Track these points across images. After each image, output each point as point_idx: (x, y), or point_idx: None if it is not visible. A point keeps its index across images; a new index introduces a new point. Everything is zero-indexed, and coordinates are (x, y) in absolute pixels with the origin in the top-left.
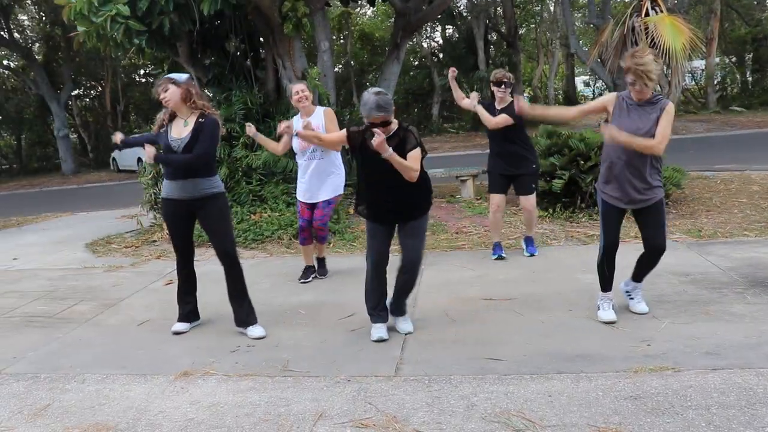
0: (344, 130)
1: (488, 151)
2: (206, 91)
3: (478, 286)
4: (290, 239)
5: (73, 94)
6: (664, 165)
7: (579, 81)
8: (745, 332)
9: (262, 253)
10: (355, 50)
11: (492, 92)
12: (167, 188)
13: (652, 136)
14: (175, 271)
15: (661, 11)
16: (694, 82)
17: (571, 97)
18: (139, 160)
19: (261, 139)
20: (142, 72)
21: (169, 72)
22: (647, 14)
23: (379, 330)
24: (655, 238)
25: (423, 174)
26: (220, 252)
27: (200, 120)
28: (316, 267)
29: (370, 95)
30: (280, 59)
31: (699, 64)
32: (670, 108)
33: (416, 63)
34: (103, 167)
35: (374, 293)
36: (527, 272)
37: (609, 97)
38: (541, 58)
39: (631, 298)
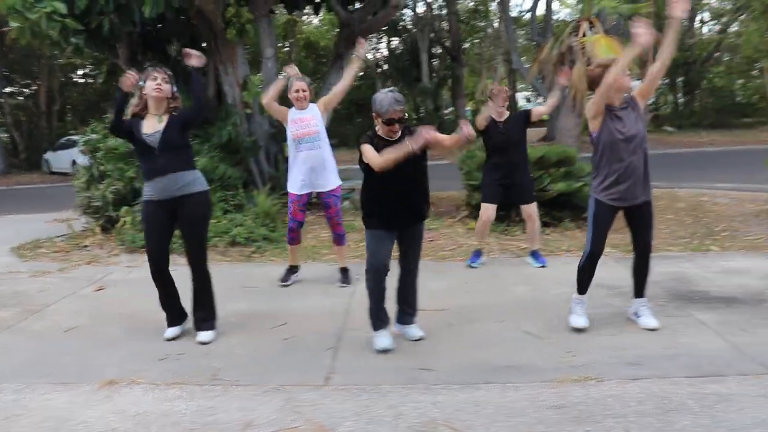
0: (365, 145)
1: (434, 162)
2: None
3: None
4: (226, 247)
5: (5, 91)
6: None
7: (521, 97)
8: (665, 344)
9: None
10: (300, 58)
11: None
12: (148, 189)
13: (644, 135)
14: (110, 276)
15: (598, 32)
16: None
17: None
18: (74, 162)
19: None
20: (80, 72)
21: (109, 74)
22: (584, 35)
23: (383, 339)
24: (645, 233)
25: (427, 178)
26: (192, 258)
27: (173, 113)
28: (299, 267)
29: (384, 94)
30: (222, 65)
31: (634, 85)
32: (635, 90)
33: (361, 74)
34: (35, 169)
35: (381, 302)
36: (460, 284)
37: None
38: (484, 72)
39: (639, 317)
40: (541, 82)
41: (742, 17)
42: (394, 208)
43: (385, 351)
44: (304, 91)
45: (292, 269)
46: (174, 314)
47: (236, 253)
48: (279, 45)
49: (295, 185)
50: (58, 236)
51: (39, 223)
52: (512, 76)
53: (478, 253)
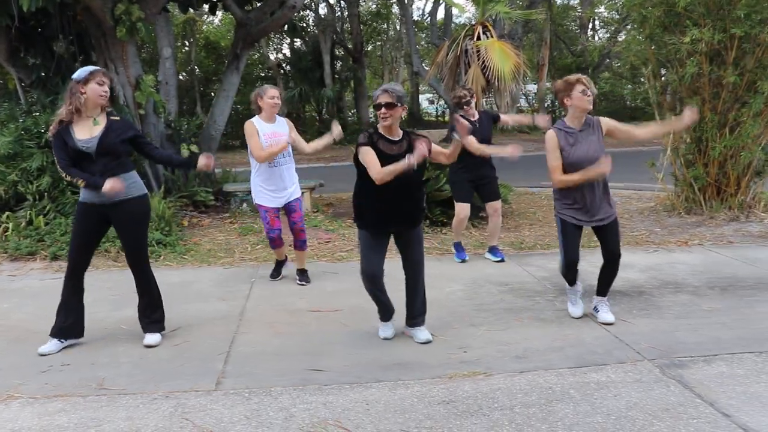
0: (365, 147)
1: (338, 163)
2: (29, 94)
3: (307, 297)
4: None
5: None
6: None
7: (423, 99)
8: (552, 336)
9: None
10: (200, 58)
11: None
12: (84, 192)
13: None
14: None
15: (492, 36)
16: (527, 105)
17: (415, 114)
18: None
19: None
20: None
21: None
22: (479, 38)
23: (386, 329)
24: (612, 246)
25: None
26: (132, 261)
27: (113, 118)
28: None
29: (380, 87)
30: (112, 64)
31: (532, 87)
32: (605, 120)
33: (263, 74)
34: None
35: (381, 300)
36: (355, 285)
37: (553, 137)
38: (386, 74)
39: (597, 311)
40: (441, 83)
41: (628, 27)
42: (387, 212)
43: (386, 339)
44: (278, 98)
45: (284, 263)
46: (66, 324)
47: None
48: (178, 44)
49: (267, 199)
50: None
51: None
52: (414, 78)
53: (460, 246)
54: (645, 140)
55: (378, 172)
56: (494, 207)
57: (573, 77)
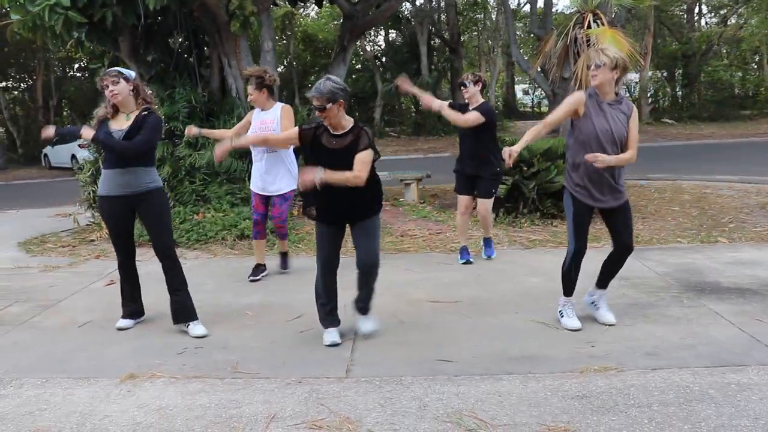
0: (295, 128)
1: (435, 155)
2: (148, 88)
3: (424, 288)
4: (234, 240)
5: (0, 85)
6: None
7: (519, 89)
8: (681, 334)
9: (206, 254)
10: (297, 51)
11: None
12: (104, 184)
13: (624, 138)
14: (116, 271)
15: (603, 24)
16: (628, 95)
17: (510, 105)
18: (73, 156)
19: (207, 132)
20: (76, 66)
21: (111, 66)
22: (589, 26)
23: (331, 334)
24: (625, 236)
25: (374, 176)
26: (158, 249)
27: (143, 113)
28: (266, 266)
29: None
30: (225, 58)
31: (634, 77)
32: (636, 113)
33: (359, 66)
34: (33, 163)
35: (326, 296)
36: (472, 276)
37: (578, 98)
38: (482, 65)
39: (597, 308)
40: (542, 75)
41: (741, 10)
42: (333, 204)
43: (332, 345)
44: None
45: (261, 267)
46: (131, 309)
47: (245, 246)
48: (276, 38)
49: (252, 182)
50: (63, 231)
51: (42, 218)
52: (510, 68)
53: (465, 250)
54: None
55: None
56: (478, 206)
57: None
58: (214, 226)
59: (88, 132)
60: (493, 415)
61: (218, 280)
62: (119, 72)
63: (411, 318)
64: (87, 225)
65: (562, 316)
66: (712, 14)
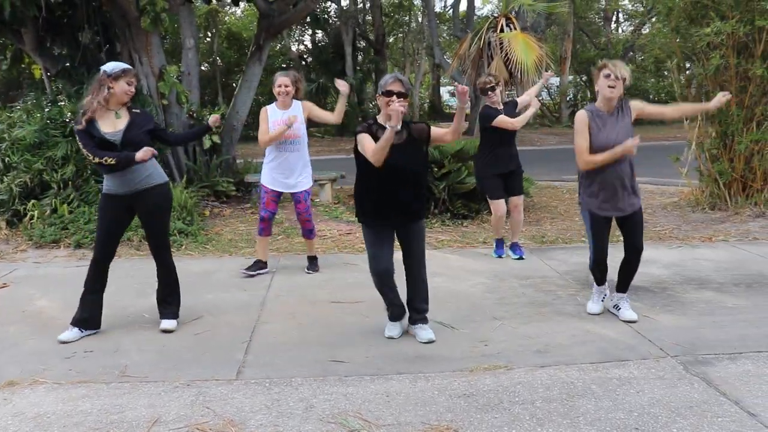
0: (360, 136)
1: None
2: (55, 83)
3: (328, 289)
4: (140, 241)
5: None
6: None
7: (445, 91)
8: (574, 331)
9: None
10: (222, 49)
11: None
12: (107, 183)
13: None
14: (13, 273)
15: (515, 29)
16: (549, 98)
17: (436, 107)
18: None
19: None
20: None
21: (13, 60)
22: (502, 30)
23: (392, 329)
24: (635, 239)
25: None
26: (154, 247)
27: (134, 111)
28: (267, 264)
29: (388, 74)
30: (136, 54)
31: (554, 81)
32: (633, 102)
33: (284, 66)
34: None
35: (392, 298)
36: None
37: (584, 119)
38: (407, 66)
39: (619, 309)
40: (463, 76)
41: (653, 19)
42: (388, 204)
43: (390, 338)
44: (287, 86)
45: (262, 264)
46: (86, 315)
47: None
48: (200, 35)
49: (268, 179)
50: None
51: None
52: (436, 70)
53: (500, 242)
54: (674, 119)
55: (372, 152)
56: (516, 202)
57: (600, 63)
58: None
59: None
60: (378, 416)
61: (119, 282)
62: (132, 70)
63: (310, 319)
64: None
65: (590, 301)
66: (629, 23)
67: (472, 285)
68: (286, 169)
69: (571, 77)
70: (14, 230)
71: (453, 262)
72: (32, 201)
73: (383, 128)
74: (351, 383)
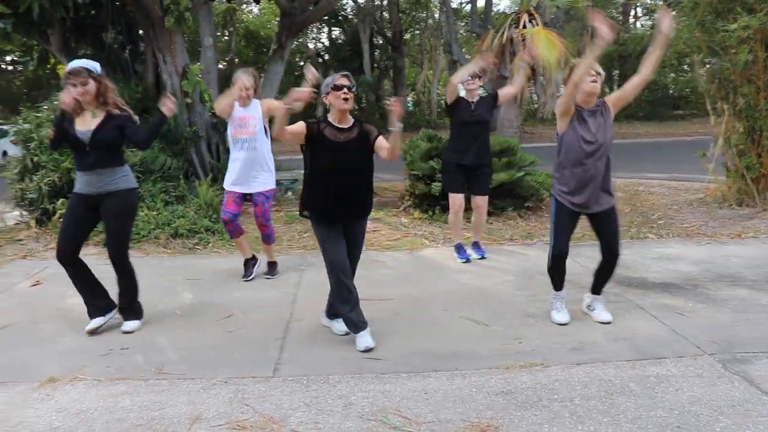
0: (302, 122)
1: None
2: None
3: (359, 286)
4: (168, 239)
5: None
6: (536, 171)
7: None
8: (606, 328)
9: (138, 253)
10: (239, 48)
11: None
12: (77, 182)
13: (610, 143)
14: (46, 270)
15: (537, 25)
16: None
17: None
18: (5, 153)
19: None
20: (9, 59)
21: (40, 61)
22: (524, 26)
23: (365, 338)
24: (612, 244)
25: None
26: (111, 253)
27: (115, 111)
28: (256, 258)
29: (336, 74)
30: (160, 53)
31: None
32: (609, 98)
33: (301, 64)
34: None
35: (352, 301)
36: (405, 273)
37: (569, 106)
38: (425, 63)
39: (593, 310)
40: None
41: (674, 13)
42: (338, 200)
43: (367, 350)
44: (247, 89)
45: (250, 261)
46: (97, 305)
47: (179, 245)
48: (218, 34)
49: (228, 181)
50: None
51: None
52: (453, 67)
53: (461, 247)
54: (642, 84)
55: (281, 131)
56: (478, 203)
57: (575, 62)
58: (148, 225)
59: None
60: (418, 413)
61: (149, 280)
62: (87, 71)
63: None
64: (15, 224)
65: (552, 309)
66: (647, 17)
67: (500, 282)
68: (244, 168)
69: None
70: (44, 228)
71: (479, 259)
72: (61, 199)
73: (331, 126)
74: (388, 380)
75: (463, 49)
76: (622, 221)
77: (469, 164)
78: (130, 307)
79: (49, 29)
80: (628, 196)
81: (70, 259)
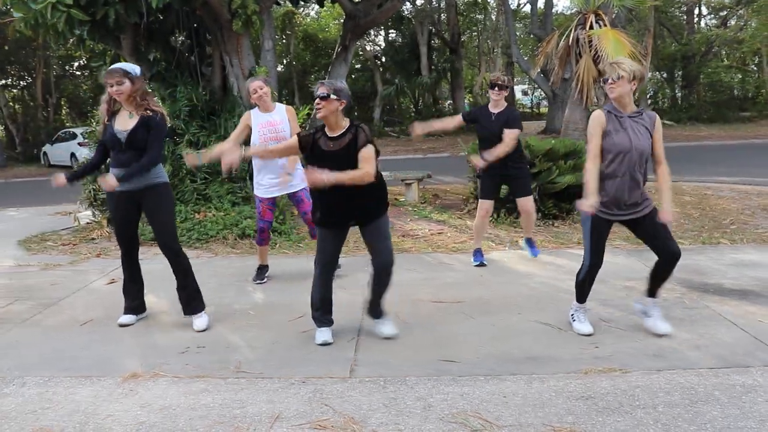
0: (294, 137)
1: (435, 155)
2: (150, 86)
3: (427, 289)
4: (235, 239)
5: (0, 83)
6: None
7: (518, 90)
8: (684, 335)
9: (207, 253)
10: (297, 51)
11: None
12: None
13: (649, 151)
14: (120, 269)
15: (605, 25)
16: None
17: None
18: (73, 155)
19: (207, 158)
20: (76, 64)
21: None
22: (591, 27)
23: (324, 333)
24: (667, 245)
25: (379, 174)
26: (161, 243)
27: (148, 113)
28: (268, 266)
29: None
30: (227, 56)
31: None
32: (659, 123)
33: (358, 66)
34: (32, 161)
35: (321, 298)
36: (475, 276)
37: (599, 119)
38: (482, 65)
39: (648, 317)
40: (542, 76)
41: (741, 11)
42: (337, 206)
43: (324, 344)
44: (261, 88)
45: (265, 268)
46: (134, 304)
47: (246, 245)
48: (276, 37)
49: (262, 189)
50: (63, 229)
51: (42, 216)
52: (510, 68)
53: (479, 252)
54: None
55: (269, 151)
56: (522, 204)
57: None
58: (215, 226)
59: (110, 184)
60: (498, 416)
61: (220, 279)
62: (125, 72)
63: (414, 318)
64: (87, 223)
65: (574, 321)
66: (712, 16)
67: (571, 286)
68: (274, 170)
69: (650, 74)
70: None
71: (548, 263)
72: None
73: (324, 135)
74: (465, 383)
75: (521, 51)
76: (692, 225)
77: (499, 170)
78: (194, 300)
79: (121, 35)
80: (696, 200)
81: (130, 257)
